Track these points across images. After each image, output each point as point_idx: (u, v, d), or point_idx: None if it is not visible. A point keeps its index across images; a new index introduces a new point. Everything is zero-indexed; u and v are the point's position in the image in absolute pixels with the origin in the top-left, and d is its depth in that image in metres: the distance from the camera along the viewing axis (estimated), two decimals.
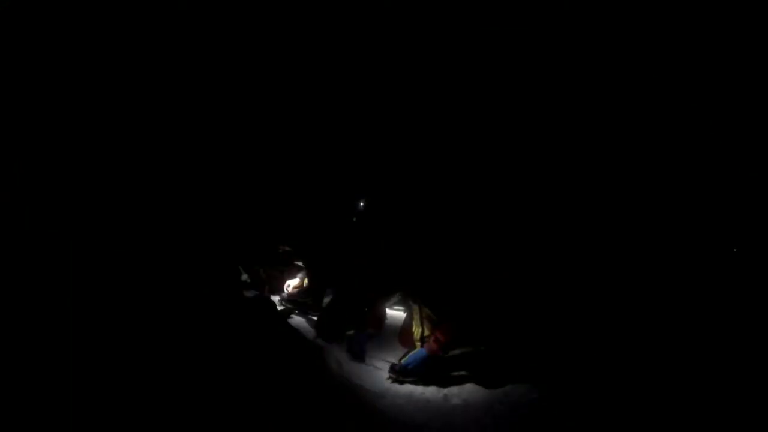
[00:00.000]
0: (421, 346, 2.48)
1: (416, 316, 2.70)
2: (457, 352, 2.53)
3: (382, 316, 2.88)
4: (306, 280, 3.43)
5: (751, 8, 2.46)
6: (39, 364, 1.36)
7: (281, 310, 3.12)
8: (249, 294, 3.14)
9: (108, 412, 1.30)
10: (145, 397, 1.39)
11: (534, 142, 3.01)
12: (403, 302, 3.08)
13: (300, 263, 3.57)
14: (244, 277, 3.59)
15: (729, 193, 2.69)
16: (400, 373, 2.36)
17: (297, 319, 3.11)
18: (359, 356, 2.55)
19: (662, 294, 2.50)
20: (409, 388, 2.19)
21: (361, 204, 3.35)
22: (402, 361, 2.41)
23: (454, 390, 2.17)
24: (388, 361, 2.50)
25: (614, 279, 2.59)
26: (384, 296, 2.88)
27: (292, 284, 3.44)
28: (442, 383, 2.24)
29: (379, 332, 2.74)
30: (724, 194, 2.70)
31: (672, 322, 2.36)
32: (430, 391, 2.17)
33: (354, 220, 3.31)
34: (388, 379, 2.35)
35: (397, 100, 3.29)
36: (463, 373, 2.35)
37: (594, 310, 2.47)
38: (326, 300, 3.25)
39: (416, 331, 2.69)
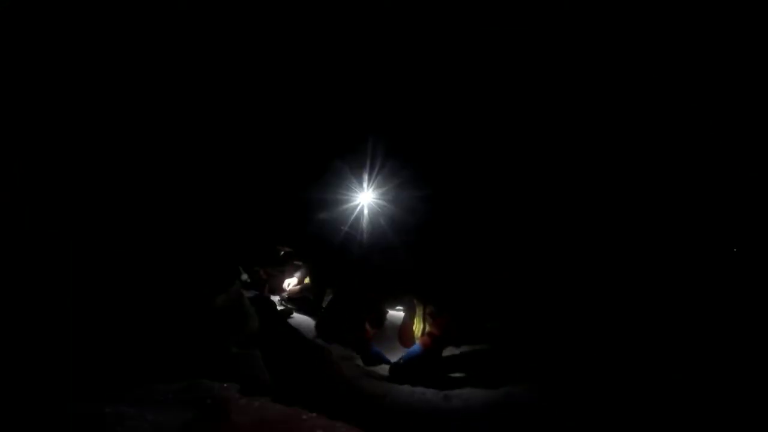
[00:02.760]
0: None
1: (419, 313, 2.72)
2: (458, 351, 2.55)
3: (383, 315, 2.89)
4: (306, 278, 3.45)
5: (750, 8, 2.46)
6: (40, 362, 1.36)
7: (281, 310, 3.12)
8: (249, 294, 3.14)
9: (108, 410, 1.30)
10: (146, 395, 1.39)
11: (534, 142, 3.01)
12: (404, 301, 3.09)
13: (299, 262, 3.58)
14: (244, 277, 3.59)
15: (729, 193, 2.69)
16: (398, 371, 2.37)
17: (297, 319, 3.12)
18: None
19: (662, 294, 2.50)
20: (409, 389, 2.19)
21: (360, 204, 3.35)
22: (399, 359, 2.43)
23: (454, 390, 2.17)
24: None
25: (614, 279, 2.59)
26: (392, 299, 2.90)
27: (291, 282, 3.45)
28: (443, 384, 2.24)
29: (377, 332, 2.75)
30: (724, 194, 2.70)
31: (671, 322, 2.36)
32: (430, 392, 2.17)
33: (352, 220, 3.31)
34: (388, 378, 2.36)
35: (395, 101, 3.29)
36: (463, 373, 2.35)
37: (593, 310, 2.47)
38: (326, 300, 3.26)
39: (417, 328, 2.70)
